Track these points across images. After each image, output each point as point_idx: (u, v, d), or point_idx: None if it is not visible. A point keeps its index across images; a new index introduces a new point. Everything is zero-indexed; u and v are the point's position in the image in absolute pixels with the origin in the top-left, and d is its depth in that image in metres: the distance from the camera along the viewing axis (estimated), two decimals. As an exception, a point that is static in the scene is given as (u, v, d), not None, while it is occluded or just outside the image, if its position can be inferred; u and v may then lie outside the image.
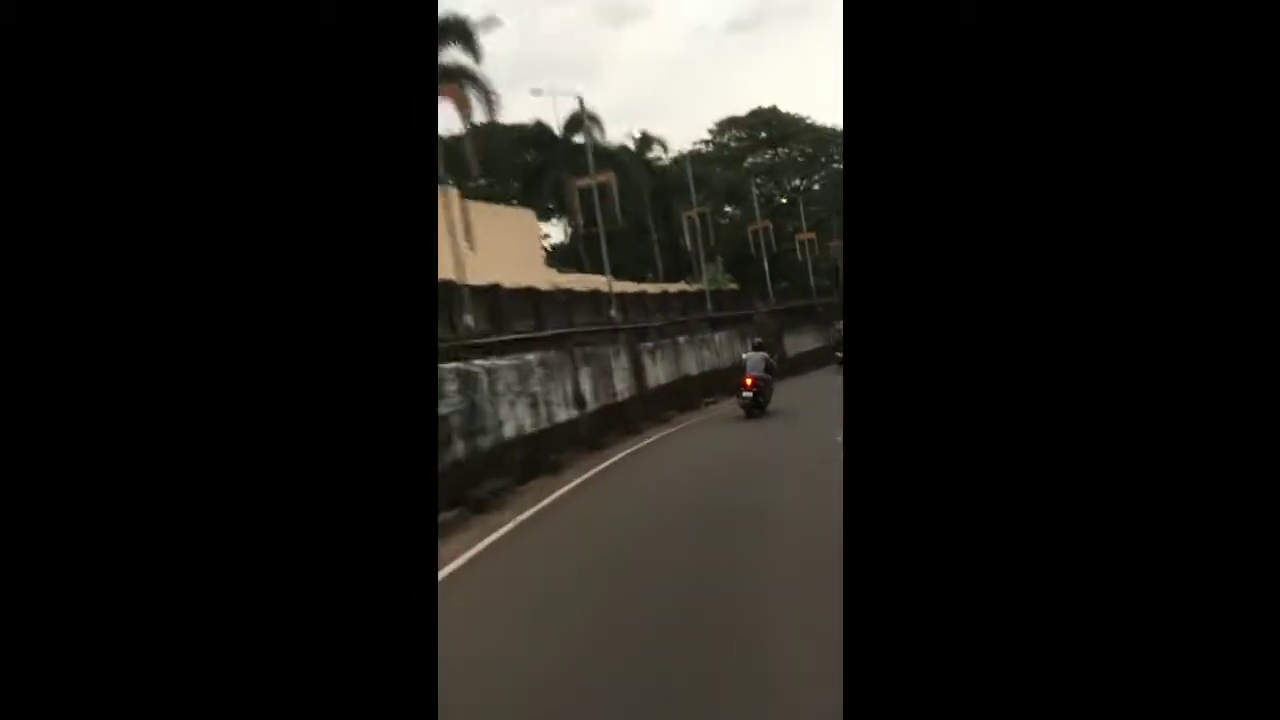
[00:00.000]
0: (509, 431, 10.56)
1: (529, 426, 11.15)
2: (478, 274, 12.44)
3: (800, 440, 10.66)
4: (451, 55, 14.90)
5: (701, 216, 29.53)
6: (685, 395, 17.37)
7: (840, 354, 24.16)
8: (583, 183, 20.88)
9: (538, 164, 28.16)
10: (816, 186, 44.04)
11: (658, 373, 16.63)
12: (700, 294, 24.78)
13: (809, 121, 44.24)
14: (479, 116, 15.82)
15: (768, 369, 13.60)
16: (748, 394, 13.31)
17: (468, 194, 15.89)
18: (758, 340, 16.55)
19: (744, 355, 14.75)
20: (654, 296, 20.30)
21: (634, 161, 28.95)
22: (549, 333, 12.74)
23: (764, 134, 44.85)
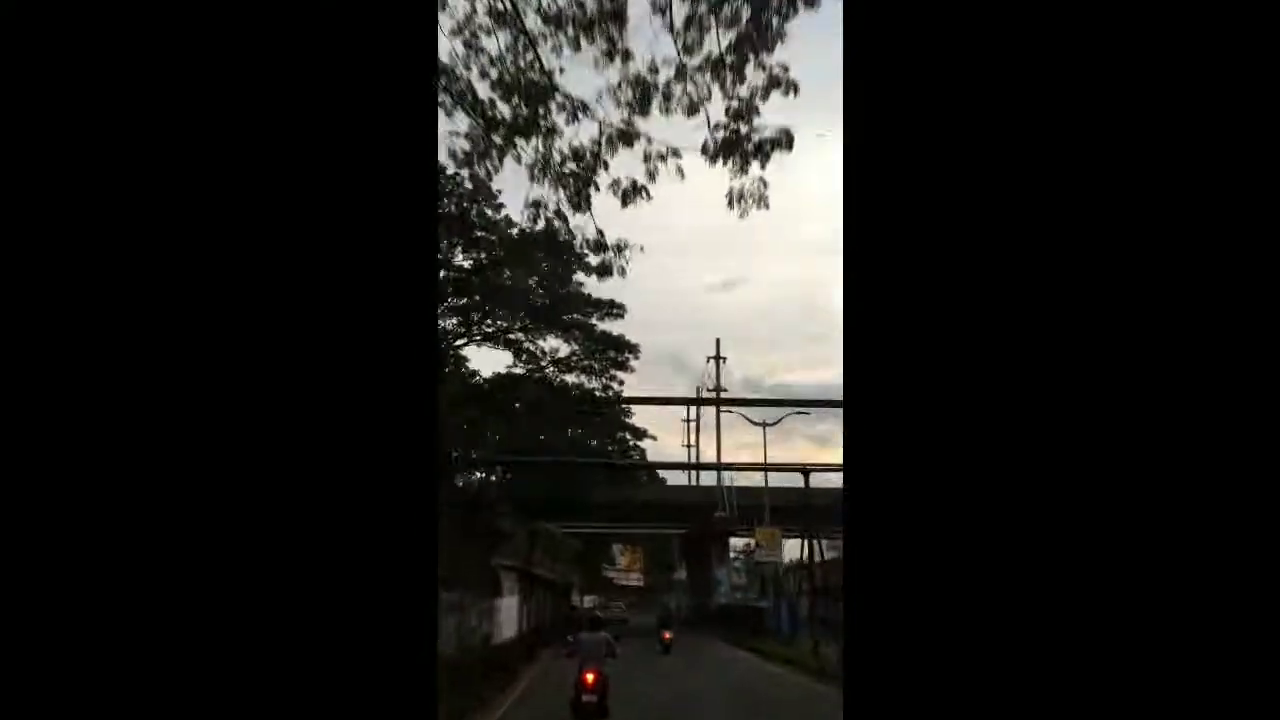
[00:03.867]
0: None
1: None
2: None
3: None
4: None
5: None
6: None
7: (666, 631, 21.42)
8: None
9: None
10: None
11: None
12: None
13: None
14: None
15: (610, 653, 9.71)
16: (590, 696, 9.35)
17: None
18: (594, 613, 12.57)
19: (576, 636, 10.35)
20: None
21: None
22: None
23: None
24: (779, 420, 29.68)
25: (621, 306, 23.19)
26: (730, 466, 33.15)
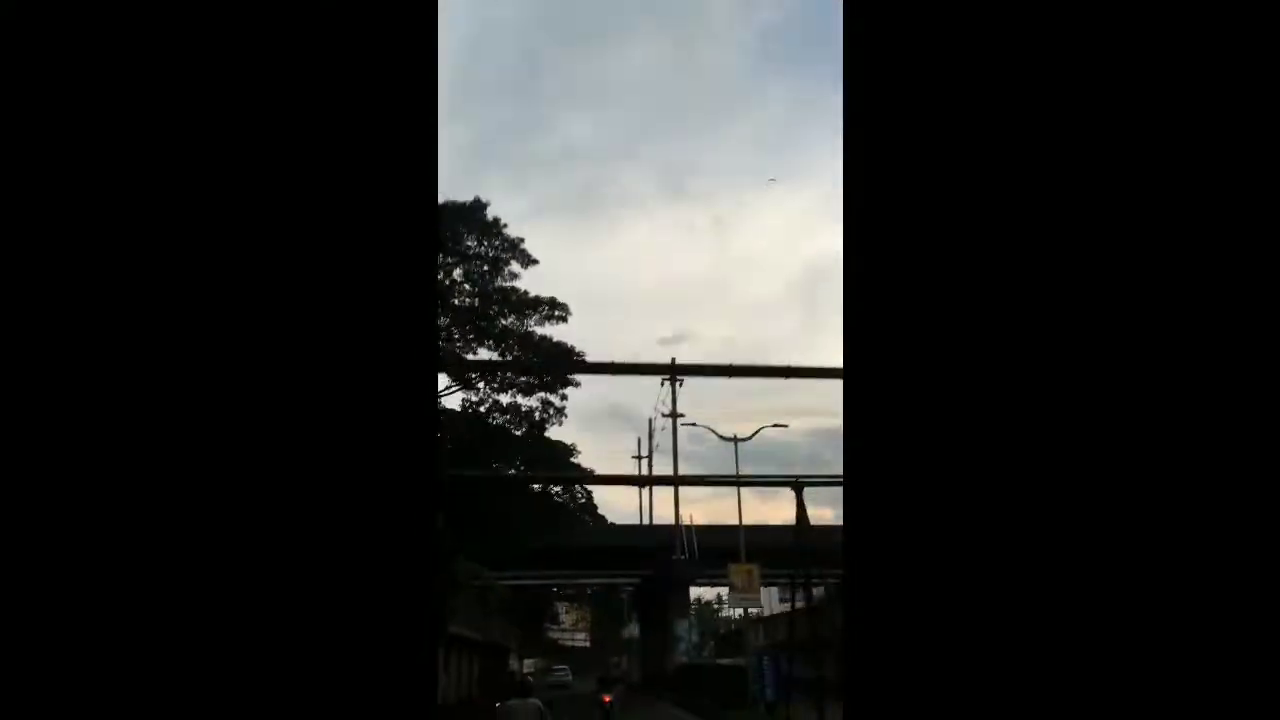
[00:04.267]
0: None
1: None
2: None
3: None
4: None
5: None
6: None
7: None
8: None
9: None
10: None
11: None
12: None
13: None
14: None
15: None
16: None
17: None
18: (524, 673, 10.90)
19: (504, 703, 8.32)
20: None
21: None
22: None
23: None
24: (754, 435, 25.99)
25: (564, 307, 19.59)
26: (699, 480, 28.79)
